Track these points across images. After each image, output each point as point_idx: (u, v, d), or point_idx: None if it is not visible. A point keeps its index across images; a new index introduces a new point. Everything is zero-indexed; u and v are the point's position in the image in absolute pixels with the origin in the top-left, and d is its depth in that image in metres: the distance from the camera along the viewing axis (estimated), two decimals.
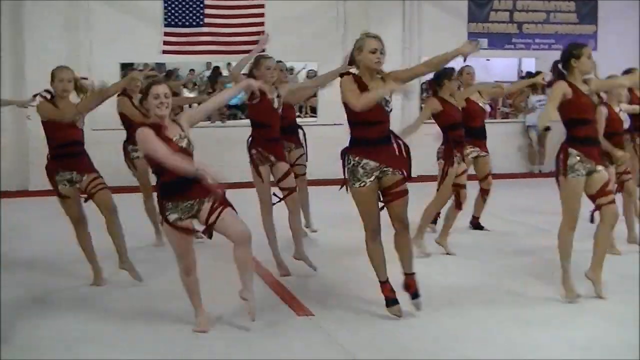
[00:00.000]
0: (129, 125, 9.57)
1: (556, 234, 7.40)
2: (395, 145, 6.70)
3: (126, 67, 16.05)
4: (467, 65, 10.17)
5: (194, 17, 15.78)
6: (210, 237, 6.58)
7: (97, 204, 8.08)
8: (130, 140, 9.72)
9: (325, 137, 9.98)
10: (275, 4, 16.05)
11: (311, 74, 18.64)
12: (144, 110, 6.49)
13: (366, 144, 6.58)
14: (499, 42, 17.72)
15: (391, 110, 6.65)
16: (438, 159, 9.34)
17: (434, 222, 10.30)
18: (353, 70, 6.72)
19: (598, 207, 7.39)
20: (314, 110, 19.11)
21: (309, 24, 16.36)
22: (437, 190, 9.33)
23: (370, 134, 6.58)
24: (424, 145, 10.45)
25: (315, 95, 16.45)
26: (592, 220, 7.47)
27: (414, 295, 6.90)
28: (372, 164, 6.58)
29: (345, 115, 6.66)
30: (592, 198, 7.39)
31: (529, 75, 18.11)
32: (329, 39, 16.57)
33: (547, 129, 17.70)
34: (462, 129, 9.48)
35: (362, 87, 6.54)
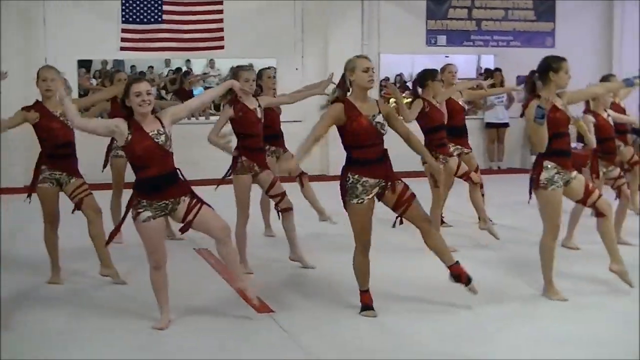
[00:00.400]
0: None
1: (520, 229, 7.46)
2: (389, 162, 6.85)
3: (84, 64, 15.94)
4: (450, 64, 10.23)
5: (152, 14, 15.67)
6: (183, 232, 6.66)
7: (85, 207, 8.07)
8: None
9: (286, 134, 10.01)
10: (233, 1, 15.98)
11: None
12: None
13: (364, 164, 6.72)
14: (458, 39, 17.79)
15: (385, 132, 6.78)
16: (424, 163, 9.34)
17: (442, 223, 10.36)
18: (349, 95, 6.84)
19: (592, 207, 7.55)
20: None
21: (267, 21, 16.32)
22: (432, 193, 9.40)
23: (367, 154, 6.72)
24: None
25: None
26: (596, 215, 7.61)
27: (467, 281, 6.96)
28: (372, 181, 6.72)
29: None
30: (582, 202, 7.57)
31: (488, 72, 18.27)
32: (288, 36, 16.56)
33: (506, 125, 17.83)
34: (444, 131, 9.56)
35: (354, 111, 6.69)
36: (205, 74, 21.88)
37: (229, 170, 8.53)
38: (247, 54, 16.76)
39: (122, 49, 15.71)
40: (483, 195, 10.35)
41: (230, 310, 7.07)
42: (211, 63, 22.02)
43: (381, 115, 6.77)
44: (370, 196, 6.72)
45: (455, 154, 9.98)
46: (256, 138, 8.51)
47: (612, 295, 7.61)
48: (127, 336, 6.51)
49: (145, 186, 6.39)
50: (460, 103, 10.27)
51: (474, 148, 11.00)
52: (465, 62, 23.28)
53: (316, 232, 10.17)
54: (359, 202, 6.70)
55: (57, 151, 7.95)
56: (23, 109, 7.94)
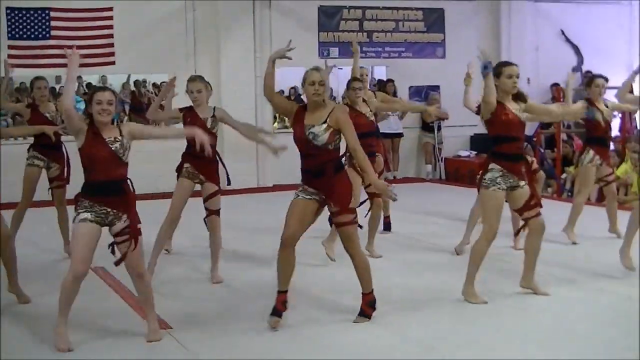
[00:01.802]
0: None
1: (434, 234, 7.51)
2: (335, 176, 6.83)
3: None
4: (361, 67, 10.33)
5: (40, 30, 15.37)
6: (117, 265, 6.65)
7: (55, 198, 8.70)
8: (35, 147, 9.86)
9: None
10: (123, 15, 15.79)
11: (163, 86, 18.41)
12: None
13: (303, 173, 6.90)
14: (350, 50, 17.83)
15: (320, 144, 6.77)
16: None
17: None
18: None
19: (525, 220, 7.64)
20: None
21: (158, 36, 16.16)
22: None
23: (305, 165, 6.87)
24: None
25: None
26: (516, 234, 7.91)
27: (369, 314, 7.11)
28: (310, 189, 6.84)
29: None
30: (519, 212, 7.64)
31: (380, 83, 18.44)
32: (179, 50, 16.43)
33: (400, 135, 18.00)
34: (373, 138, 9.64)
35: (296, 118, 6.88)
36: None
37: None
38: (138, 69, 16.63)
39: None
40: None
41: (128, 327, 6.94)
42: (103, 79, 21.72)
43: (323, 125, 6.76)
44: (307, 197, 6.82)
45: None
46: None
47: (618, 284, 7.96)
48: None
49: (91, 189, 6.39)
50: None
51: None
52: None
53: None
54: (296, 197, 6.85)
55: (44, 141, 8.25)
56: None
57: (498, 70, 7.49)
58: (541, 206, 7.68)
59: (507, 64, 7.63)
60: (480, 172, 7.54)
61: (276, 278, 6.93)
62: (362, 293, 7.07)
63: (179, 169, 8.63)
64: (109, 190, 6.41)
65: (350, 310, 7.18)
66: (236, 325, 7.06)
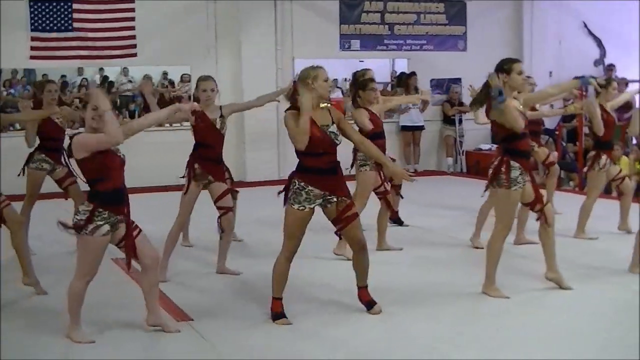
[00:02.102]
0: (45, 136, 9.70)
1: (452, 228, 7.49)
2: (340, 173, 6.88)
3: None
4: (368, 69, 10.27)
5: (62, 22, 15.43)
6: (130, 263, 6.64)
7: (7, 219, 7.95)
8: (42, 150, 9.80)
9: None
10: (144, 7, 15.84)
11: (185, 78, 18.46)
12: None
13: (313, 172, 6.72)
14: (371, 43, 17.89)
15: (340, 142, 6.80)
16: (362, 165, 9.35)
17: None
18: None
19: (540, 212, 7.60)
20: None
21: (180, 28, 16.20)
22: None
23: (317, 163, 6.72)
24: None
25: None
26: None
27: (370, 305, 7.11)
28: (317, 191, 6.72)
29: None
30: (530, 205, 7.65)
31: (401, 76, 18.41)
32: (201, 42, 16.46)
33: (421, 128, 17.97)
34: (383, 139, 9.50)
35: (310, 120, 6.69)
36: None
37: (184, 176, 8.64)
38: (160, 61, 16.66)
39: (32, 57, 15.43)
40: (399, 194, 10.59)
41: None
42: (124, 71, 21.76)
43: (334, 125, 6.78)
44: (312, 206, 6.73)
45: None
46: (212, 149, 8.57)
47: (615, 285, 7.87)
48: (45, 351, 6.37)
49: (108, 198, 6.30)
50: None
51: (390, 151, 11.05)
52: (379, 66, 23.44)
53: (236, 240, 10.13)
54: (300, 208, 6.70)
55: (50, 143, 8.07)
56: None
57: (508, 66, 7.42)
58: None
59: (517, 60, 7.57)
60: (497, 170, 7.44)
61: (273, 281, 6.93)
62: (363, 286, 7.12)
63: (189, 173, 8.56)
64: (122, 197, 6.39)
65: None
66: (254, 317, 7.06)
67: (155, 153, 14.80)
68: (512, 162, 7.37)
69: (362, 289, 7.12)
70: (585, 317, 7.06)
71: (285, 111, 6.78)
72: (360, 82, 9.58)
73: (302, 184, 6.70)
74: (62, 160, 9.78)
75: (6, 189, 8.45)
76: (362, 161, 9.29)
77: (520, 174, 7.36)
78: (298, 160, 6.82)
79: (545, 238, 7.68)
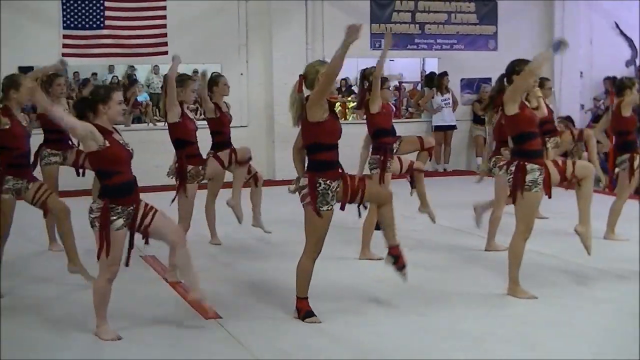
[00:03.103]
0: (50, 129, 9.60)
1: (464, 231, 7.48)
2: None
3: (25, 71, 15.72)
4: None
5: (94, 19, 15.52)
6: (147, 242, 6.63)
7: (52, 208, 8.10)
8: (48, 144, 9.81)
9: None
10: (176, 5, 15.90)
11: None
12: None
13: (331, 167, 6.74)
14: (402, 42, 17.85)
15: None
16: (373, 169, 9.27)
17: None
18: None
19: (574, 178, 7.63)
20: None
21: (210, 26, 16.25)
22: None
23: (333, 156, 6.77)
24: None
25: None
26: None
27: (402, 266, 7.09)
28: (334, 183, 6.72)
29: (309, 139, 6.77)
30: (563, 179, 7.61)
31: (431, 75, 18.38)
32: (232, 40, 16.50)
33: (453, 127, 17.90)
34: (391, 136, 9.52)
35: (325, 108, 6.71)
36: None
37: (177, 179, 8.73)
38: (191, 59, 16.62)
39: (63, 55, 15.48)
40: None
41: (177, 316, 7.00)
42: (155, 69, 21.87)
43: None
44: (334, 202, 6.74)
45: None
46: (195, 145, 8.82)
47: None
48: (71, 349, 6.41)
49: (121, 191, 6.33)
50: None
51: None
52: (409, 65, 23.43)
53: (261, 237, 10.15)
54: (328, 209, 6.71)
55: (19, 160, 7.94)
56: None
57: (520, 68, 7.47)
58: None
59: (529, 61, 7.54)
60: (517, 179, 7.37)
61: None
62: (394, 245, 7.06)
63: (183, 174, 8.65)
64: (133, 189, 6.41)
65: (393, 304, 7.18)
66: (279, 317, 7.07)
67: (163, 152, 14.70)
68: (528, 166, 7.33)
69: (394, 247, 7.05)
70: (615, 317, 7.03)
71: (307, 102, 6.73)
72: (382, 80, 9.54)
73: (328, 182, 6.67)
74: (69, 142, 9.86)
75: None
76: (373, 165, 9.29)
77: (539, 174, 7.32)
78: (312, 158, 6.78)
79: (582, 192, 7.70)
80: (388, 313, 7.16)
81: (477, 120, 18.32)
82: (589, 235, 7.77)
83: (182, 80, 8.71)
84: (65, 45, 15.40)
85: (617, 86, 10.11)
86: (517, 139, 7.47)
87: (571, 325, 6.77)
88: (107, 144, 6.27)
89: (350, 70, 22.89)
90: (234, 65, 16.32)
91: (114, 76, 21.43)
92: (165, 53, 15.90)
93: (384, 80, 9.39)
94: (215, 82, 9.85)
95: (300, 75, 6.81)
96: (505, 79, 7.67)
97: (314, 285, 6.97)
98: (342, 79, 22.80)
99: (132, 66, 21.49)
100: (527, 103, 7.50)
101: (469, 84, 18.51)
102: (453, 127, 17.95)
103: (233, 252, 9.69)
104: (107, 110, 6.33)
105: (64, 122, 6.28)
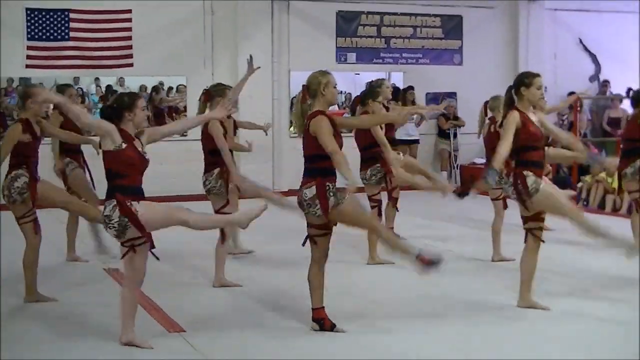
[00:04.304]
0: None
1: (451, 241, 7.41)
2: None
3: None
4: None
5: (59, 31, 15.46)
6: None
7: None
8: (64, 153, 9.93)
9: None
10: (141, 17, 15.87)
11: (181, 89, 18.47)
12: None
13: (333, 173, 6.72)
14: (367, 56, 17.91)
15: None
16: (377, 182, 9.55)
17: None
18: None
19: (528, 231, 7.56)
20: None
21: (176, 38, 16.24)
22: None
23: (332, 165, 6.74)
24: None
25: None
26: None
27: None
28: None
29: (312, 150, 6.76)
30: (526, 220, 7.56)
31: (396, 90, 18.41)
32: (197, 53, 16.48)
33: (417, 141, 17.88)
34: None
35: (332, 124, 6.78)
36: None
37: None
38: (156, 71, 16.65)
39: (27, 66, 15.45)
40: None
41: (141, 329, 6.92)
42: (120, 81, 21.73)
43: None
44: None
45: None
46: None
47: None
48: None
49: (128, 191, 6.31)
50: None
51: None
52: (375, 79, 23.41)
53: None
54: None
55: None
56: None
57: (529, 80, 7.47)
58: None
59: (537, 75, 7.57)
60: (518, 189, 7.36)
61: (309, 290, 6.90)
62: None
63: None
64: (140, 195, 6.41)
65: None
66: (251, 328, 7.05)
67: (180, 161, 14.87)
68: (524, 172, 7.35)
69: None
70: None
71: (313, 116, 6.77)
72: (376, 92, 9.81)
73: (332, 185, 6.69)
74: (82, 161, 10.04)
75: None
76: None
77: (534, 180, 7.32)
78: (315, 166, 6.75)
79: (527, 262, 7.57)
80: (400, 322, 7.19)
81: (442, 134, 18.40)
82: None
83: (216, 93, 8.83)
84: (29, 57, 15.33)
85: (633, 98, 9.94)
86: (518, 150, 7.44)
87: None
88: (123, 147, 6.30)
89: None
90: (199, 77, 16.28)
91: (79, 88, 21.23)
92: (131, 65, 15.88)
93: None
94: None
95: (303, 86, 6.86)
96: (513, 91, 7.59)
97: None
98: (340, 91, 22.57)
99: (97, 78, 21.36)
100: (533, 120, 7.49)
101: (434, 98, 18.57)
102: (416, 142, 18.00)
103: (197, 264, 9.66)
104: (132, 117, 6.41)
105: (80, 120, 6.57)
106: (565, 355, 6.40)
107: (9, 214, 8.21)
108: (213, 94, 8.79)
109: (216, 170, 8.62)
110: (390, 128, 9.82)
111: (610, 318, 7.35)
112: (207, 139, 8.61)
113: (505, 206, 9.79)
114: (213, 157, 8.62)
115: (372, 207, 9.52)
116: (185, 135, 13.41)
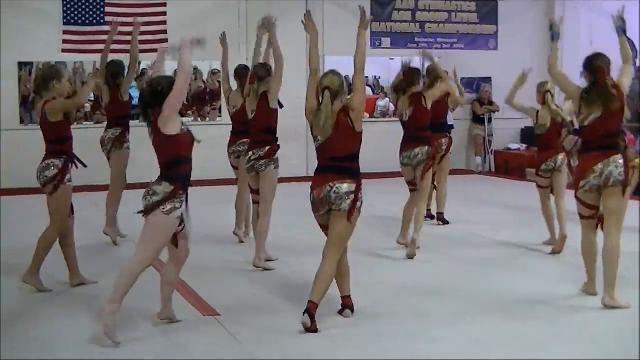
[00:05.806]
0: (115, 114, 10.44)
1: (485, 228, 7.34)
2: None
3: (24, 66, 15.75)
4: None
5: (94, 16, 15.52)
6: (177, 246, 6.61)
7: None
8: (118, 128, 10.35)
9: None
10: (176, 2, 15.91)
11: (216, 73, 18.53)
12: None
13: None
14: (402, 41, 17.85)
15: None
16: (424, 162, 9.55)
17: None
18: None
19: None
20: None
21: (211, 24, 16.20)
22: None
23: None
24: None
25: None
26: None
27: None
28: None
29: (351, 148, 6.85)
30: None
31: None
32: (231, 38, 16.43)
33: (451, 127, 17.82)
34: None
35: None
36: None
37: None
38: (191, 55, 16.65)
39: (63, 50, 15.52)
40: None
41: (175, 312, 6.97)
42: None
43: None
44: None
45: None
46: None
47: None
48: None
49: (186, 180, 6.38)
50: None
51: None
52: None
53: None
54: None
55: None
56: None
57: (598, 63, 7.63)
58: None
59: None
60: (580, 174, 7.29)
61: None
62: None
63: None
64: (190, 183, 6.46)
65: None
66: (280, 315, 7.08)
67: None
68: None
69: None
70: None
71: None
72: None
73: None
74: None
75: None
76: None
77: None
78: (356, 166, 6.80)
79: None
80: (423, 318, 7.16)
81: (477, 119, 18.32)
82: None
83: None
84: (65, 41, 15.40)
85: None
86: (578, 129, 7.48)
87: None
88: (185, 130, 6.38)
89: (350, 68, 22.73)
90: (233, 62, 16.29)
91: None
92: (166, 50, 15.88)
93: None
94: None
95: (326, 89, 7.08)
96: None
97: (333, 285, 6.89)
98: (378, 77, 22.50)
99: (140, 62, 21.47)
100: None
101: (468, 84, 18.46)
102: (451, 127, 17.90)
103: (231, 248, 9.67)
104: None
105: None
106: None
107: (38, 199, 8.25)
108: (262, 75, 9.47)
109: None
110: (441, 112, 9.80)
111: None
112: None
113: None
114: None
115: (411, 192, 9.54)
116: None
